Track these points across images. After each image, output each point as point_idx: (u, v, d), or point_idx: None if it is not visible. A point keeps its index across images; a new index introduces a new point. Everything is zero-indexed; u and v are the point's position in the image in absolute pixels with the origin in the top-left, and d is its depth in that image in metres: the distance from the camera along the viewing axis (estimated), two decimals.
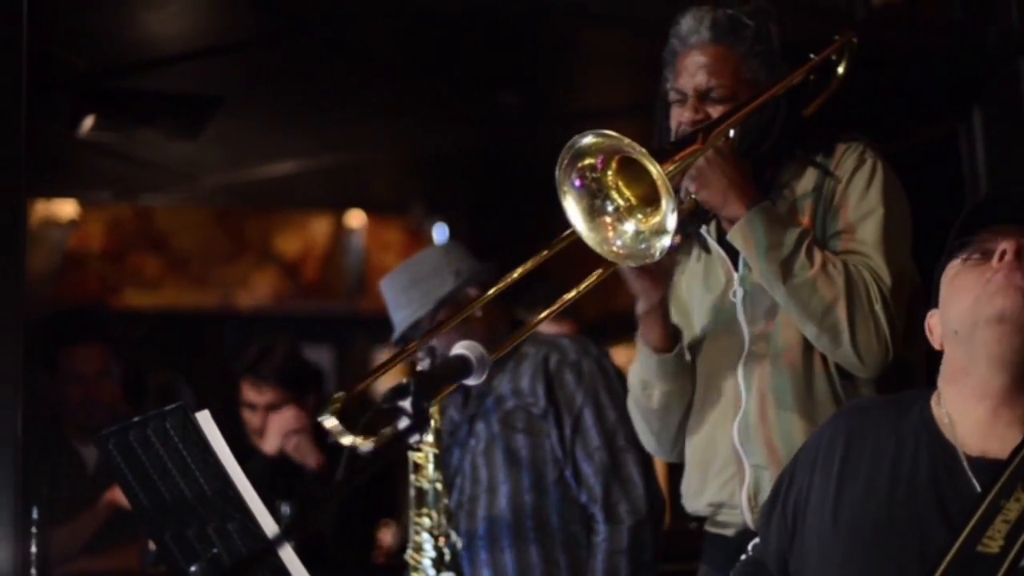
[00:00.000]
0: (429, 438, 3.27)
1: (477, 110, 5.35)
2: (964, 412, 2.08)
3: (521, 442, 3.36)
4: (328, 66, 4.75)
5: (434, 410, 3.22)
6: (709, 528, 2.73)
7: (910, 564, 1.99)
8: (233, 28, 4.37)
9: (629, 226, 2.38)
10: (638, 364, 2.71)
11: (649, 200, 2.35)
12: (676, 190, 2.45)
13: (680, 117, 2.63)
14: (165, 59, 4.51)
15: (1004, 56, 4.34)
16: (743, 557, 2.40)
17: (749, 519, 2.58)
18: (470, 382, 2.09)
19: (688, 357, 2.70)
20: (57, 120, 4.89)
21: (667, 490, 3.48)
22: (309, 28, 4.37)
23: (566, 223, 2.41)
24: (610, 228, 2.38)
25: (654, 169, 2.24)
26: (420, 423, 1.82)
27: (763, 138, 2.64)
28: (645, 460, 3.31)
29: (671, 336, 2.64)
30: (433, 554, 3.25)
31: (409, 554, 3.32)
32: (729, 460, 2.63)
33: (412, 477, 3.30)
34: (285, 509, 3.70)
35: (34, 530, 3.39)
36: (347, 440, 2.09)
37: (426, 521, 3.27)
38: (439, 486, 3.26)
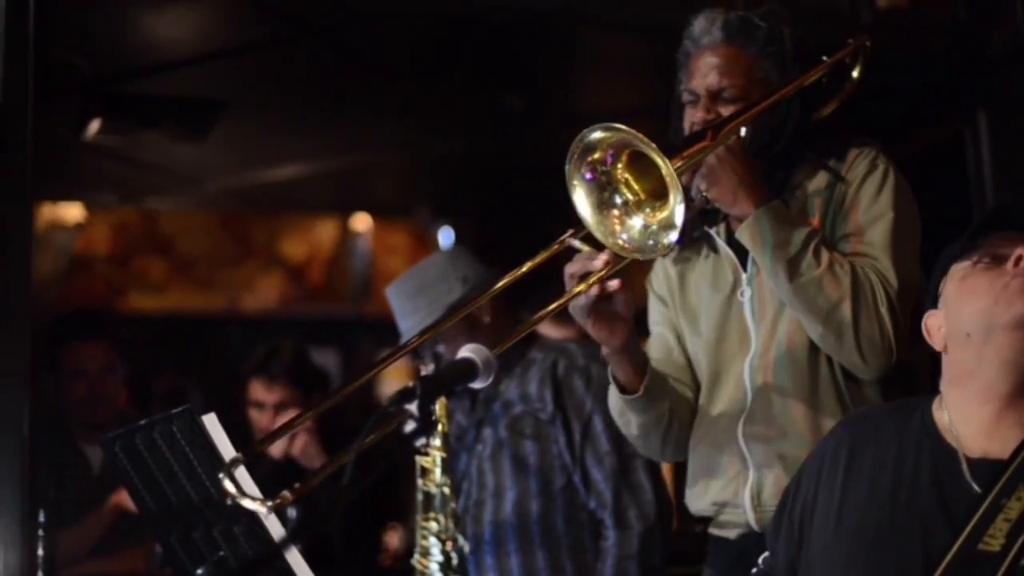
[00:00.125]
0: (436, 442, 3.27)
1: (482, 114, 5.36)
2: (967, 414, 2.09)
3: (529, 448, 3.36)
4: (333, 70, 4.76)
5: (441, 414, 3.23)
6: (712, 531, 2.73)
7: (912, 565, 2.00)
8: (238, 32, 4.38)
9: (637, 220, 2.39)
10: (612, 395, 2.72)
11: (657, 195, 2.35)
12: (687, 187, 2.46)
13: (692, 117, 2.64)
14: (171, 63, 4.52)
15: (1009, 59, 4.34)
16: (754, 571, 2.39)
17: (752, 519, 2.58)
18: (476, 385, 2.09)
19: (668, 385, 2.70)
20: (63, 124, 4.90)
21: (672, 494, 3.48)
22: (314, 32, 4.38)
23: (570, 226, 2.42)
24: (617, 222, 2.38)
25: (663, 163, 2.25)
26: (426, 426, 1.82)
27: (775, 139, 2.64)
28: (653, 465, 3.31)
29: (639, 373, 2.63)
30: (440, 558, 3.26)
31: (416, 558, 3.32)
32: (733, 460, 2.63)
33: (419, 481, 3.30)
34: (291, 512, 3.69)
35: (40, 533, 3.40)
36: (248, 504, 2.09)
37: (433, 525, 3.27)
38: (446, 490, 3.27)
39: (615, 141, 2.33)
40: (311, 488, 2.05)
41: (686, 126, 2.65)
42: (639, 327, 2.69)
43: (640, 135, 2.27)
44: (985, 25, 4.38)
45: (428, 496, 3.28)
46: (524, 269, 2.43)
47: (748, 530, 2.61)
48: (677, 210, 2.27)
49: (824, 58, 2.72)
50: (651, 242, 2.36)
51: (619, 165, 2.37)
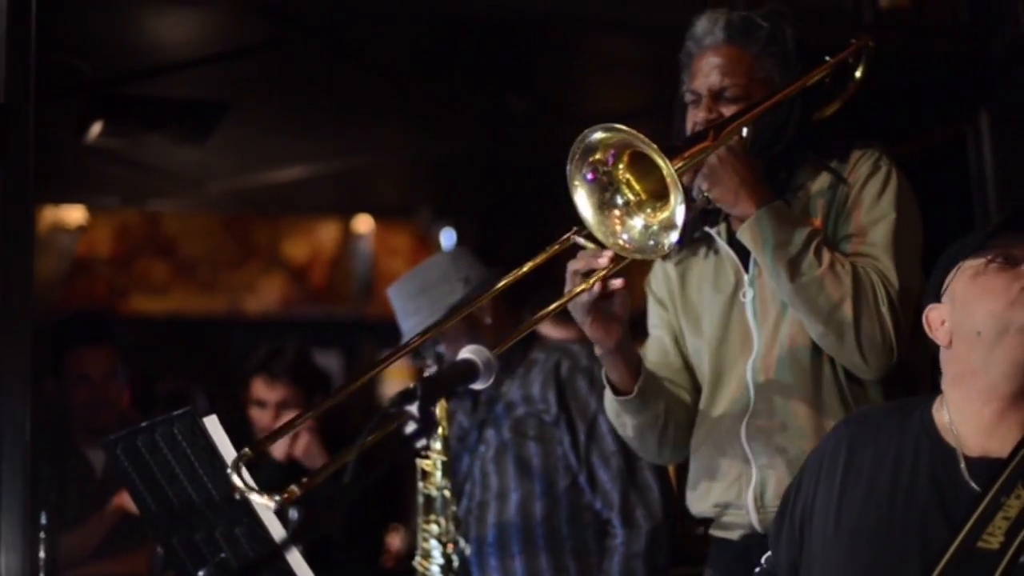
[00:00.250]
0: (437, 445, 3.27)
1: (484, 115, 5.36)
2: (969, 414, 2.09)
3: (532, 449, 3.36)
4: (334, 71, 4.76)
5: (442, 417, 3.23)
6: (714, 532, 2.73)
7: (911, 564, 2.00)
8: (240, 34, 4.38)
9: (638, 221, 2.39)
10: (607, 396, 2.72)
11: (659, 195, 2.35)
12: (688, 187, 2.46)
13: (695, 117, 2.65)
14: (172, 65, 4.52)
15: (1011, 59, 4.34)
16: (756, 571, 2.39)
17: (755, 520, 2.58)
18: (477, 386, 2.09)
19: (663, 385, 2.71)
20: (65, 126, 4.91)
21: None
22: (315, 34, 4.38)
23: (572, 226, 2.42)
24: (619, 222, 2.39)
25: (664, 164, 2.25)
26: (427, 427, 1.82)
27: (777, 139, 2.65)
28: (659, 465, 3.31)
29: (633, 374, 2.63)
30: (441, 561, 3.26)
31: (417, 560, 3.32)
32: (736, 461, 2.63)
33: (420, 484, 3.30)
34: (293, 513, 3.69)
35: (43, 535, 3.40)
36: (256, 498, 2.08)
37: (434, 528, 3.27)
38: (447, 493, 3.27)
39: (616, 142, 2.33)
40: (314, 488, 2.05)
41: (688, 126, 2.66)
42: (637, 329, 2.69)
43: (641, 136, 2.27)
44: (987, 25, 4.37)
45: (429, 499, 3.28)
46: (526, 269, 2.43)
47: (751, 531, 2.61)
48: (678, 211, 2.27)
49: (827, 58, 2.72)
50: (652, 242, 2.37)
51: (620, 166, 2.38)
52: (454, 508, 3.28)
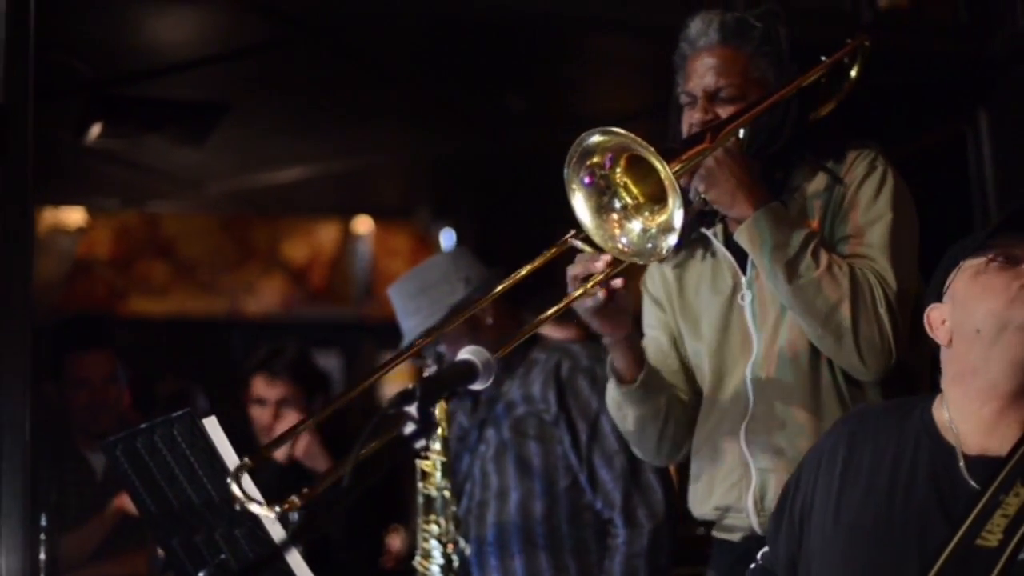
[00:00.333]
0: (436, 446, 3.27)
1: (483, 115, 5.36)
2: (968, 413, 2.09)
3: (533, 449, 3.36)
4: (334, 72, 4.76)
5: (442, 418, 3.23)
6: (716, 533, 2.73)
7: (909, 561, 2.01)
8: (239, 35, 4.38)
9: (636, 224, 2.39)
10: (610, 387, 2.72)
11: (656, 198, 2.35)
12: (684, 190, 2.46)
13: (690, 119, 2.64)
14: (172, 66, 4.52)
15: (1010, 59, 4.34)
16: (752, 566, 2.39)
17: (755, 523, 2.59)
18: (476, 387, 2.09)
19: (664, 379, 2.72)
20: (64, 127, 4.90)
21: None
22: (315, 34, 4.38)
23: (571, 228, 2.42)
24: (617, 226, 2.38)
25: (661, 167, 2.25)
26: (426, 428, 1.82)
27: (773, 139, 2.65)
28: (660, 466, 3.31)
29: (638, 364, 2.64)
30: (441, 561, 3.26)
31: (417, 561, 3.32)
32: (736, 464, 2.63)
33: (420, 485, 3.30)
34: (293, 514, 3.69)
35: (43, 537, 3.40)
36: (256, 509, 2.09)
37: (434, 528, 3.27)
38: (447, 493, 3.27)
39: (613, 145, 2.33)
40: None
41: (684, 127, 2.65)
42: (637, 329, 2.70)
43: (638, 139, 2.27)
44: (986, 25, 4.38)
45: (429, 499, 3.28)
46: (524, 272, 2.43)
47: (751, 533, 2.61)
48: (676, 214, 2.27)
49: (823, 58, 2.72)
50: (650, 246, 2.36)
51: (618, 169, 2.37)
52: (454, 508, 3.28)
